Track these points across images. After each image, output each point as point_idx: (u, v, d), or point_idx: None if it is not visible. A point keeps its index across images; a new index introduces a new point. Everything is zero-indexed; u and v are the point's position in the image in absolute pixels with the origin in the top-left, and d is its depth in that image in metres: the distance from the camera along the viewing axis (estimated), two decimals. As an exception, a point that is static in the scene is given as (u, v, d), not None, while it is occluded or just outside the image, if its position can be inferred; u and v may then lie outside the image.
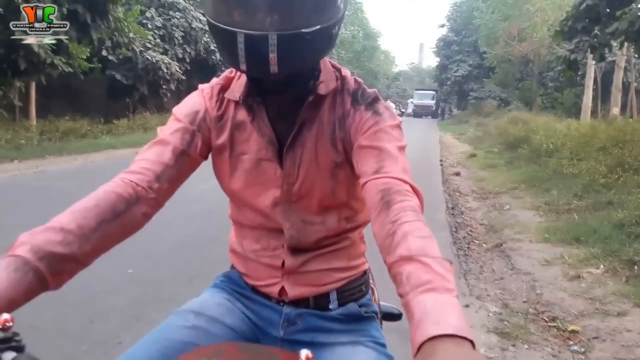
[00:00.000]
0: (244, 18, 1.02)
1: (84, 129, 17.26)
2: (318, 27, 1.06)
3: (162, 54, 21.95)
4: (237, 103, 1.33)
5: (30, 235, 1.02)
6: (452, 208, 8.84)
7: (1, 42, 12.98)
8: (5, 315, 0.86)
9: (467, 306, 4.41)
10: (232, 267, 1.52)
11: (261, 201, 1.34)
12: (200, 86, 1.41)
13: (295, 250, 1.37)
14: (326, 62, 1.33)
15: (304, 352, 0.88)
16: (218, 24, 1.06)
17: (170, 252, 5.54)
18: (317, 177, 1.30)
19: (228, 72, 1.39)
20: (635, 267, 5.13)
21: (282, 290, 1.38)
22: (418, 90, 65.41)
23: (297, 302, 1.39)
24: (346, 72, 1.37)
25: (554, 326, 4.06)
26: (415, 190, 1.14)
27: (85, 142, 15.89)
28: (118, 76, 20.11)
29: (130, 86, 20.84)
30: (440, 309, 0.82)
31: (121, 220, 1.14)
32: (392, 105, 30.13)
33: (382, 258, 1.02)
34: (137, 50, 19.28)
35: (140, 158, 1.27)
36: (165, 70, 21.44)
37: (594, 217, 7.14)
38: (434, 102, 58.91)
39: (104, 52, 17.30)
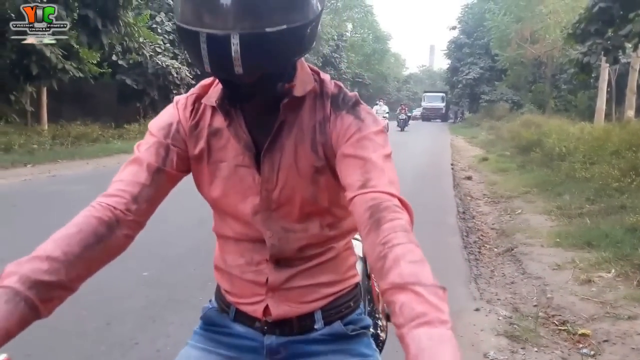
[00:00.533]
0: (206, 18, 1.02)
1: (96, 133, 17.54)
2: (284, 27, 1.03)
3: (172, 58, 22.19)
4: (214, 109, 1.32)
5: (17, 266, 1.03)
6: (463, 212, 8.87)
7: (13, 48, 13.21)
8: (4, 355, 0.93)
9: (477, 310, 4.49)
10: (216, 291, 1.52)
11: (241, 209, 1.32)
12: (176, 98, 1.39)
13: (278, 262, 1.35)
14: (304, 64, 1.31)
15: None
16: (182, 25, 1.06)
17: (184, 256, 5.65)
18: (298, 183, 1.28)
19: (204, 81, 1.38)
20: (647, 271, 5.18)
21: (267, 310, 1.36)
22: (427, 93, 63.64)
23: (280, 327, 1.38)
24: (325, 76, 1.35)
25: (564, 330, 4.12)
26: (404, 204, 1.13)
27: (96, 146, 16.16)
28: (128, 81, 20.37)
29: (141, 91, 21.09)
30: (435, 346, 0.83)
31: (104, 244, 1.15)
32: (386, 108, 29.26)
33: (375, 281, 1.04)
34: (147, 55, 19.50)
35: (117, 179, 1.27)
36: (175, 75, 21.68)
37: (606, 221, 7.17)
38: (443, 104, 57.29)
39: (114, 57, 17.53)
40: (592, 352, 3.75)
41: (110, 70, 17.68)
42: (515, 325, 4.16)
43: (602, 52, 12.20)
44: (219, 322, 1.45)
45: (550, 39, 29.97)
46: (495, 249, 6.59)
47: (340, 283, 1.42)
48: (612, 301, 4.60)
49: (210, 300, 1.52)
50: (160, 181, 1.27)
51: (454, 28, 55.20)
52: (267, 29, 1.01)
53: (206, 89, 1.35)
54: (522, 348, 3.79)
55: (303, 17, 1.07)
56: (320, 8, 1.14)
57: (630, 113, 19.95)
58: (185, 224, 6.90)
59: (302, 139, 1.28)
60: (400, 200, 1.13)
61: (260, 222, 1.32)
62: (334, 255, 1.39)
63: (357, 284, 1.48)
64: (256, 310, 1.37)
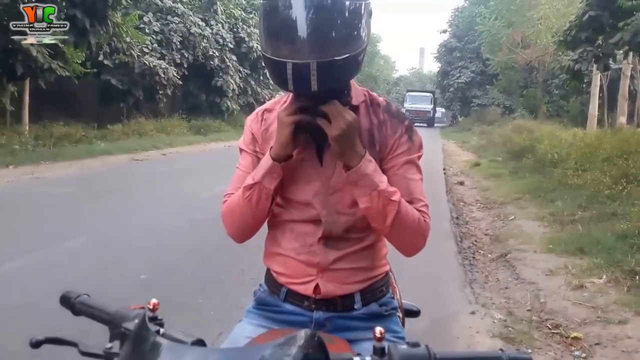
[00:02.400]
0: (291, 51, 1.38)
1: (79, 134, 17.42)
2: (347, 55, 1.40)
3: (159, 59, 22.19)
4: None
5: None
6: (457, 218, 9.08)
7: (-2, 47, 13.24)
8: (154, 300, 1.16)
9: (473, 313, 4.68)
10: (265, 276, 1.79)
11: (303, 194, 1.63)
12: (249, 117, 1.78)
13: (327, 243, 1.64)
14: (355, 84, 1.70)
15: (378, 329, 1.08)
16: (272, 57, 1.42)
17: (180, 260, 5.82)
18: None
19: (274, 100, 1.78)
20: (637, 277, 5.34)
21: (316, 288, 1.63)
22: (411, 92, 56.09)
23: (326, 305, 1.65)
24: (372, 93, 1.74)
25: (557, 333, 4.31)
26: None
27: (80, 147, 16.11)
28: (113, 81, 20.27)
29: (125, 91, 20.99)
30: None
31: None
32: None
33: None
34: (135, 55, 19.50)
35: (232, 185, 1.70)
36: (162, 75, 21.67)
37: (598, 228, 7.35)
38: (431, 106, 51.04)
39: (100, 57, 17.50)
40: (584, 355, 3.95)
41: (95, 70, 17.58)
42: (509, 328, 4.36)
43: (593, 60, 12.42)
44: (271, 302, 1.73)
45: (541, 44, 30.15)
46: (489, 255, 6.80)
47: (375, 269, 1.72)
48: (604, 306, 4.79)
49: (260, 285, 1.80)
50: None
51: (444, 32, 54.77)
52: (336, 58, 1.38)
53: (275, 105, 1.74)
54: (516, 349, 3.96)
55: (359, 46, 1.45)
56: (367, 39, 1.50)
57: (623, 119, 20.19)
58: (179, 228, 7.05)
59: (359, 137, 1.58)
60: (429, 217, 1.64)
61: (319, 203, 1.63)
62: (371, 242, 1.70)
63: (387, 273, 1.79)
64: (307, 289, 1.65)
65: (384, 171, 1.61)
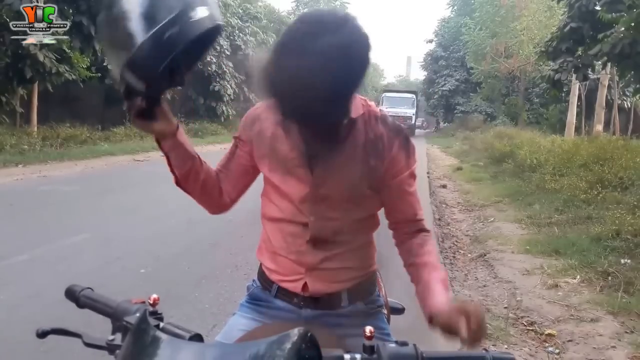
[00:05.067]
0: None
1: (84, 135, 17.48)
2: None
3: (160, 64, 22.30)
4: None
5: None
6: (439, 219, 9.10)
7: (7, 51, 13.31)
8: (155, 295, 1.17)
9: (452, 310, 4.72)
10: (258, 272, 1.78)
11: (294, 194, 1.57)
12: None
13: (316, 242, 1.59)
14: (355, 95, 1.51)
15: (369, 328, 1.08)
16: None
17: (178, 255, 5.84)
18: (342, 184, 1.54)
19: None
20: (609, 278, 5.42)
21: (305, 286, 1.60)
22: (389, 93, 46.46)
23: (314, 303, 1.62)
24: (371, 102, 1.61)
25: (532, 330, 4.36)
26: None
27: (84, 148, 16.18)
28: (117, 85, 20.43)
29: (128, 95, 21.14)
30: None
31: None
32: None
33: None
34: (137, 60, 19.62)
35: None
36: (163, 80, 21.80)
37: (573, 230, 7.43)
38: (413, 111, 42.15)
39: (105, 62, 17.60)
40: (557, 351, 3.98)
41: (99, 74, 17.71)
42: (487, 325, 4.39)
43: (573, 70, 12.52)
44: (263, 298, 1.71)
45: (523, 55, 30.34)
46: (469, 255, 6.84)
47: (363, 269, 1.69)
48: (577, 305, 4.85)
49: (253, 280, 1.78)
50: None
51: (430, 41, 54.76)
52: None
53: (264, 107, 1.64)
54: (493, 345, 4.01)
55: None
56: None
57: (599, 127, 20.34)
58: (176, 225, 7.08)
59: (354, 152, 1.54)
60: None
61: (307, 209, 1.58)
62: (360, 244, 1.67)
63: (374, 272, 1.76)
64: (296, 287, 1.63)
65: (385, 186, 1.58)
